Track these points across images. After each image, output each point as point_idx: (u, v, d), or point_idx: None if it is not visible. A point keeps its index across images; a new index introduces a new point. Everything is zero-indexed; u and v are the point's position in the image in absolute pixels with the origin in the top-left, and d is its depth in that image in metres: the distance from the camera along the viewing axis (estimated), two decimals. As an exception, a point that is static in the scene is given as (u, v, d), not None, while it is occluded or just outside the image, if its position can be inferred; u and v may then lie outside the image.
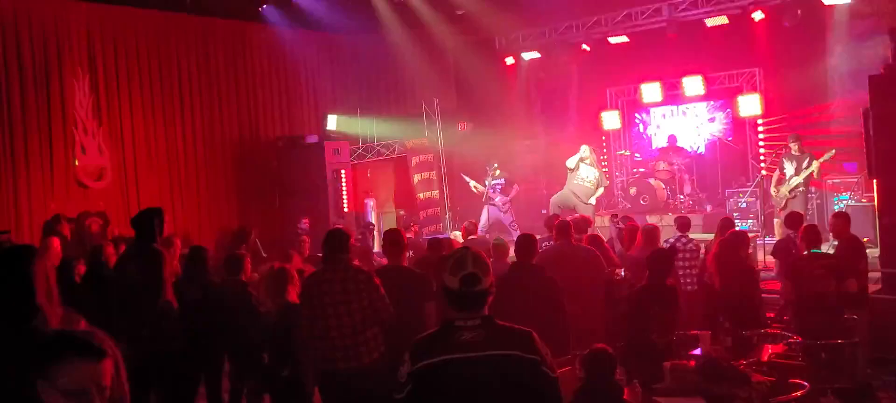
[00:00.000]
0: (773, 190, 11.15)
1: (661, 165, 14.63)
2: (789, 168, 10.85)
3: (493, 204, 12.65)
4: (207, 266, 6.36)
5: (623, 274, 7.25)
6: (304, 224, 11.55)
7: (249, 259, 6.59)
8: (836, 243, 7.50)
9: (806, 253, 6.67)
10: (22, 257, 3.38)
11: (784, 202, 10.78)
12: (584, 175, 11.65)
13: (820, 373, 5.85)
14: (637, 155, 15.94)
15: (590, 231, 8.74)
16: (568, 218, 8.02)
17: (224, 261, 6.49)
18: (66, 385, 1.93)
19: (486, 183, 12.69)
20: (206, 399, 6.32)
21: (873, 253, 8.54)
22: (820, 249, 6.84)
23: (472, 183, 13.03)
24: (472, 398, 2.84)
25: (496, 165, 12.92)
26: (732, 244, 7.44)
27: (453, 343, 2.85)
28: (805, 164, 10.71)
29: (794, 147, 10.93)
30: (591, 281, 6.76)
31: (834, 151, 10.84)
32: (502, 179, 12.82)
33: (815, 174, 10.75)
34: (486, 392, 2.83)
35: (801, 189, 10.76)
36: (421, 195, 14.71)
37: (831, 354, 6.16)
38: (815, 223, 9.92)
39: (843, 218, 7.36)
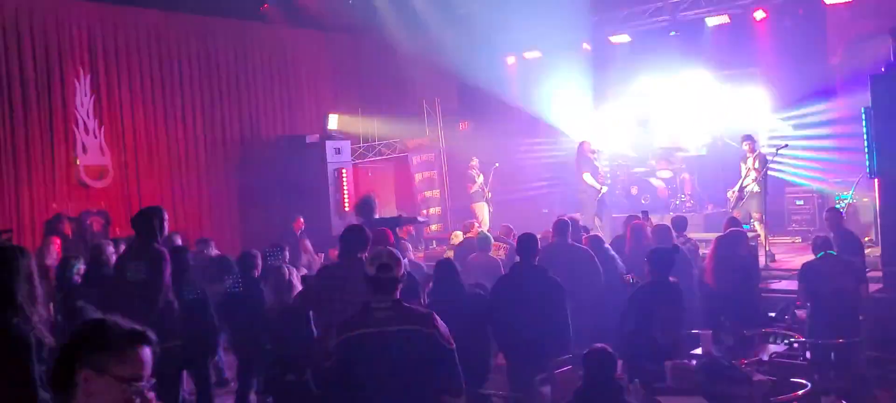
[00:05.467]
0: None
1: (663, 165, 14.60)
2: (743, 169, 10.58)
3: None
4: (189, 266, 6.35)
5: (632, 279, 7.18)
6: (299, 224, 11.11)
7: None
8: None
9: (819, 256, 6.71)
10: (7, 256, 3.38)
11: (734, 202, 10.58)
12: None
13: (827, 373, 5.87)
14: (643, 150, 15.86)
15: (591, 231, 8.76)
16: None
17: (238, 259, 6.53)
18: None
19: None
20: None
21: (874, 252, 8.55)
22: (832, 252, 6.80)
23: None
24: (382, 363, 3.49)
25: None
26: (730, 242, 7.42)
27: (369, 320, 3.54)
28: (750, 164, 10.39)
29: (744, 147, 10.66)
30: (589, 280, 6.75)
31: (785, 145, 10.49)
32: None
33: (752, 171, 10.26)
34: (394, 358, 3.49)
35: (752, 189, 10.24)
36: (422, 194, 14.70)
37: (839, 353, 6.17)
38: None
39: (833, 214, 7.76)
